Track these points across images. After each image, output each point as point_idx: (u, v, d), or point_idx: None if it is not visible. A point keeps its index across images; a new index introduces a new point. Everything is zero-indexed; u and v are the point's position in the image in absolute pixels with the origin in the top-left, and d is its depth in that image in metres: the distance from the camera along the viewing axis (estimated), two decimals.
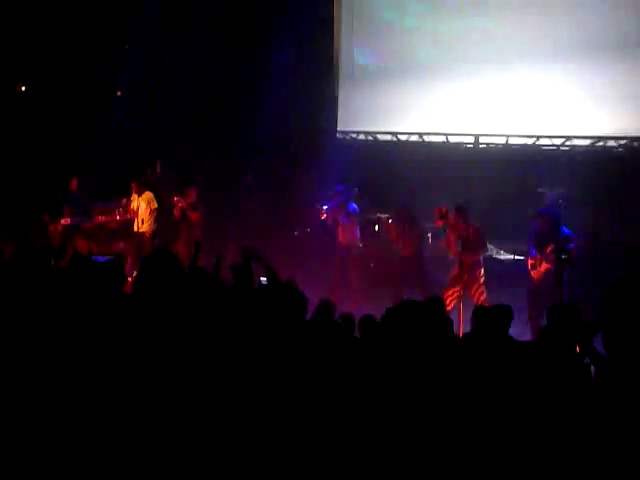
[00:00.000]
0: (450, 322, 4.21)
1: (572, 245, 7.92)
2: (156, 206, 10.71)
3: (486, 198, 10.42)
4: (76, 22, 11.67)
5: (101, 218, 11.30)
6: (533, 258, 8.25)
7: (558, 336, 3.75)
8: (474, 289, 8.39)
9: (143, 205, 10.67)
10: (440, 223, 8.53)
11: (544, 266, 8.08)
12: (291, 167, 12.11)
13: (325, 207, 9.73)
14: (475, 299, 8.25)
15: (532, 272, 8.23)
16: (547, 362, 3.59)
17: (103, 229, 11.35)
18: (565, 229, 8.12)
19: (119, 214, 11.05)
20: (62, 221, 11.00)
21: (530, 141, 12.09)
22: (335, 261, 9.78)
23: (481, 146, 12.36)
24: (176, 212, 10.68)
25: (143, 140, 12.16)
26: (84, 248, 10.52)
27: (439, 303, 5.41)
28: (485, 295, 8.33)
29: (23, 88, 11.89)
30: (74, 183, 11.30)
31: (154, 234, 10.66)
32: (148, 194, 10.74)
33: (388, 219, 10.59)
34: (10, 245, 8.15)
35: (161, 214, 10.82)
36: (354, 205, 9.74)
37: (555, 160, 11.46)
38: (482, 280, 8.44)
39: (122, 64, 12.19)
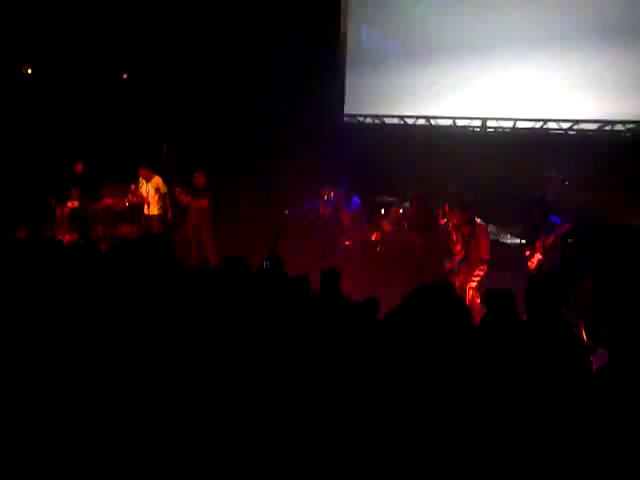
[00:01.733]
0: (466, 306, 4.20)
1: (555, 232, 8.08)
2: (166, 190, 10.66)
3: (493, 182, 10.41)
4: (83, 3, 11.60)
5: (108, 200, 11.29)
6: (528, 248, 8.40)
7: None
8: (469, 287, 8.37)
9: (152, 191, 10.65)
10: (443, 222, 8.56)
11: (537, 257, 8.22)
12: (298, 150, 12.03)
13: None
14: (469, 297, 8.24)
15: (528, 262, 8.34)
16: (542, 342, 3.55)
17: (110, 211, 11.35)
18: (552, 217, 8.21)
19: (128, 200, 11.02)
20: (69, 204, 10.97)
21: (538, 125, 12.01)
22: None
23: (489, 130, 12.29)
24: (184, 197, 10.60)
25: (151, 123, 12.10)
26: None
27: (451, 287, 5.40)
28: (478, 300, 8.23)
29: (29, 70, 11.78)
30: (79, 166, 11.26)
31: (164, 217, 10.63)
32: (157, 179, 10.69)
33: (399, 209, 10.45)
34: (23, 230, 8.17)
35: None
36: (356, 198, 9.72)
37: (563, 143, 11.38)
38: (478, 280, 8.36)
39: (128, 46, 12.09)
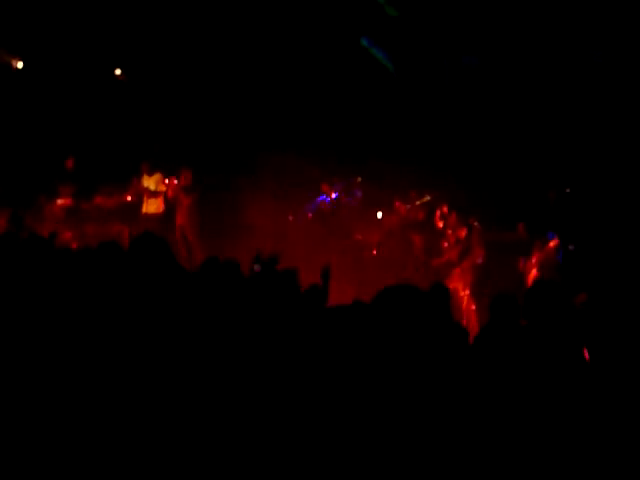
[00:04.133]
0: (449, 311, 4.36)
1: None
2: (165, 189, 10.68)
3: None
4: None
5: (99, 199, 11.14)
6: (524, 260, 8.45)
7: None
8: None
9: (152, 186, 10.62)
10: (441, 224, 8.56)
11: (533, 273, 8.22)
12: None
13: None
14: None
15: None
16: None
17: (100, 210, 11.16)
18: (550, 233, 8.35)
19: (130, 194, 10.95)
20: (59, 202, 10.77)
21: None
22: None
23: None
24: (170, 193, 10.51)
25: (145, 120, 11.90)
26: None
27: (444, 291, 5.18)
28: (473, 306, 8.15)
29: (20, 65, 11.57)
30: (70, 163, 11.01)
31: (160, 216, 10.54)
32: (159, 175, 10.72)
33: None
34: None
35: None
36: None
37: None
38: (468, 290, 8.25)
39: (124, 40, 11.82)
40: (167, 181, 10.64)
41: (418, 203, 9.91)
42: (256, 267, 4.77)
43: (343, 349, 2.86)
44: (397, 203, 10.13)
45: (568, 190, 9.76)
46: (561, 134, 10.27)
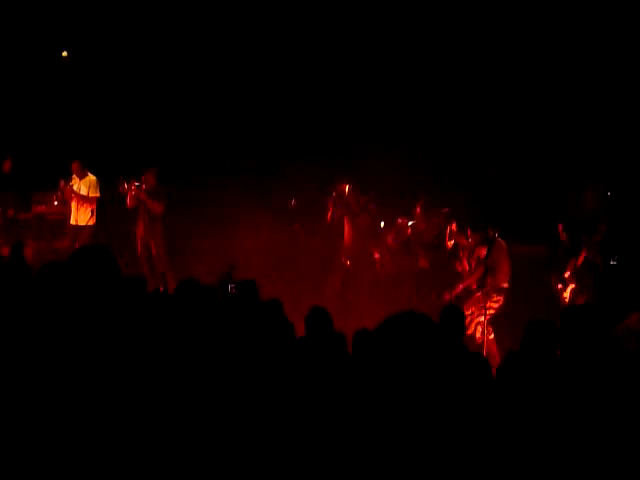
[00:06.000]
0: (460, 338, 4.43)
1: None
2: (98, 195, 9.22)
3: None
4: None
5: (40, 208, 9.81)
6: (558, 280, 7.77)
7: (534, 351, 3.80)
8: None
9: (84, 190, 9.15)
10: (450, 244, 7.90)
11: (570, 287, 7.59)
12: None
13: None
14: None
15: (561, 296, 7.71)
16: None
17: (43, 221, 9.85)
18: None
19: (57, 199, 9.48)
20: None
21: None
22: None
23: None
24: (130, 201, 9.05)
25: (92, 113, 10.40)
26: None
27: (457, 313, 4.78)
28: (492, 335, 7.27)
29: None
30: (7, 164, 9.58)
31: (92, 229, 9.12)
32: (91, 178, 9.24)
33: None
34: None
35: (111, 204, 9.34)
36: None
37: None
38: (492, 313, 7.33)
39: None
40: (126, 185, 9.05)
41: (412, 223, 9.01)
42: (231, 287, 4.57)
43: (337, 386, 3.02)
44: (399, 219, 9.16)
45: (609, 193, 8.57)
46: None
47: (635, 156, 8.53)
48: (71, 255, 2.73)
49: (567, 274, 7.59)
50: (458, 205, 8.64)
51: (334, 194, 9.23)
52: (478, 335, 7.31)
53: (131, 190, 8.98)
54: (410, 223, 8.92)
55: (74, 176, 9.21)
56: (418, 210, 8.95)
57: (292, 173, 9.42)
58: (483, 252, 7.45)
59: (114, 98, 10.38)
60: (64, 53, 10.38)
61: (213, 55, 10.62)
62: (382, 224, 9.26)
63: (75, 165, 9.17)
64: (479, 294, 7.43)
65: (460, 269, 7.77)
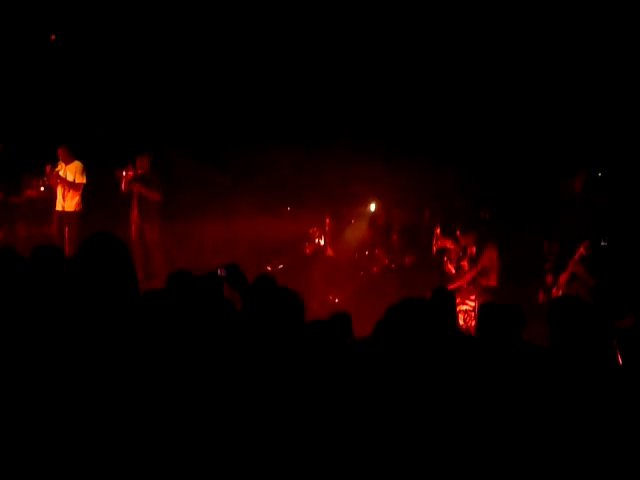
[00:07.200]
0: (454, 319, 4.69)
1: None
2: (85, 181, 9.05)
3: None
4: None
5: (31, 192, 9.66)
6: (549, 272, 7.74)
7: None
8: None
9: (70, 176, 9.00)
10: (447, 244, 7.81)
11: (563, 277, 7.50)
12: None
13: None
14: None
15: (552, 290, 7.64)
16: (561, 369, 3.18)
17: (33, 205, 9.71)
18: None
19: (42, 184, 9.38)
20: None
21: None
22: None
23: None
24: (124, 186, 9.00)
25: (86, 95, 10.24)
26: None
27: (447, 295, 4.91)
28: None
29: None
30: None
31: (80, 215, 8.96)
32: (77, 164, 9.07)
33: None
34: None
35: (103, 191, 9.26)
36: None
37: None
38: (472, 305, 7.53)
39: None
40: (124, 172, 9.00)
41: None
42: (221, 272, 4.29)
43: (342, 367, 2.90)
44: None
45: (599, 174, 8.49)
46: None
47: (628, 143, 8.61)
48: (82, 244, 2.67)
49: (554, 289, 7.47)
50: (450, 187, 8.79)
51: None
52: (461, 322, 7.43)
53: (127, 176, 8.90)
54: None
55: (60, 162, 9.07)
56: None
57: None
58: (473, 252, 7.59)
59: (104, 82, 10.19)
60: (52, 36, 10.18)
61: (203, 41, 10.51)
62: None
63: (61, 150, 9.02)
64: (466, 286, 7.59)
65: (447, 270, 7.84)
